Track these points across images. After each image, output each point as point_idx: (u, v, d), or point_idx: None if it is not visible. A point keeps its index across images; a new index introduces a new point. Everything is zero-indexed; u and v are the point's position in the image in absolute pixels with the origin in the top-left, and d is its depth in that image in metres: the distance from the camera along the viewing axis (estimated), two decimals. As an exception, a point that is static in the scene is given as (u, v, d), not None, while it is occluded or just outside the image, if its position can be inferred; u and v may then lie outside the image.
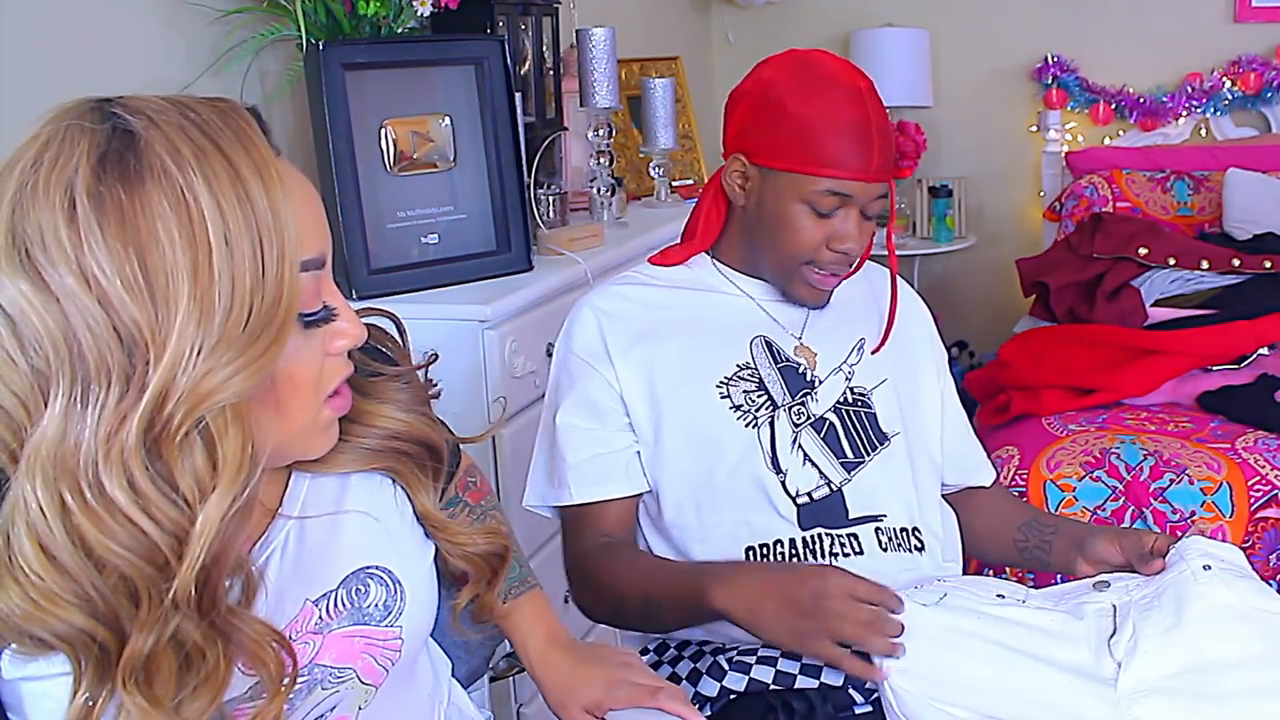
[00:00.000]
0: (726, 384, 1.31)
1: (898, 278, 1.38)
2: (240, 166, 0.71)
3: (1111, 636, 1.14)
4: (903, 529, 1.31)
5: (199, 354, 0.69)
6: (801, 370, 1.34)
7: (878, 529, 1.30)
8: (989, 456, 1.51)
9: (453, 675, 1.11)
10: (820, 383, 1.33)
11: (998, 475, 1.53)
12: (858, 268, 1.37)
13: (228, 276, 0.69)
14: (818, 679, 1.22)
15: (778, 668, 1.23)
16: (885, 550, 1.29)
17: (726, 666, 1.25)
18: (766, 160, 1.28)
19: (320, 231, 0.79)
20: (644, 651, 1.36)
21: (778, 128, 1.27)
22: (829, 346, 1.36)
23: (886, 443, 1.34)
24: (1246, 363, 2.49)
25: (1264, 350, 2.49)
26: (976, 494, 1.46)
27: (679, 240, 1.43)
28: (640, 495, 1.34)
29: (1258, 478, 2.06)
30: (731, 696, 1.24)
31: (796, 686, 1.22)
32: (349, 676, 0.89)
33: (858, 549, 1.28)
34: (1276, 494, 2.03)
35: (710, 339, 1.33)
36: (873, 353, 1.37)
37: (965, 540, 1.45)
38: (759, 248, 1.33)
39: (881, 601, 1.07)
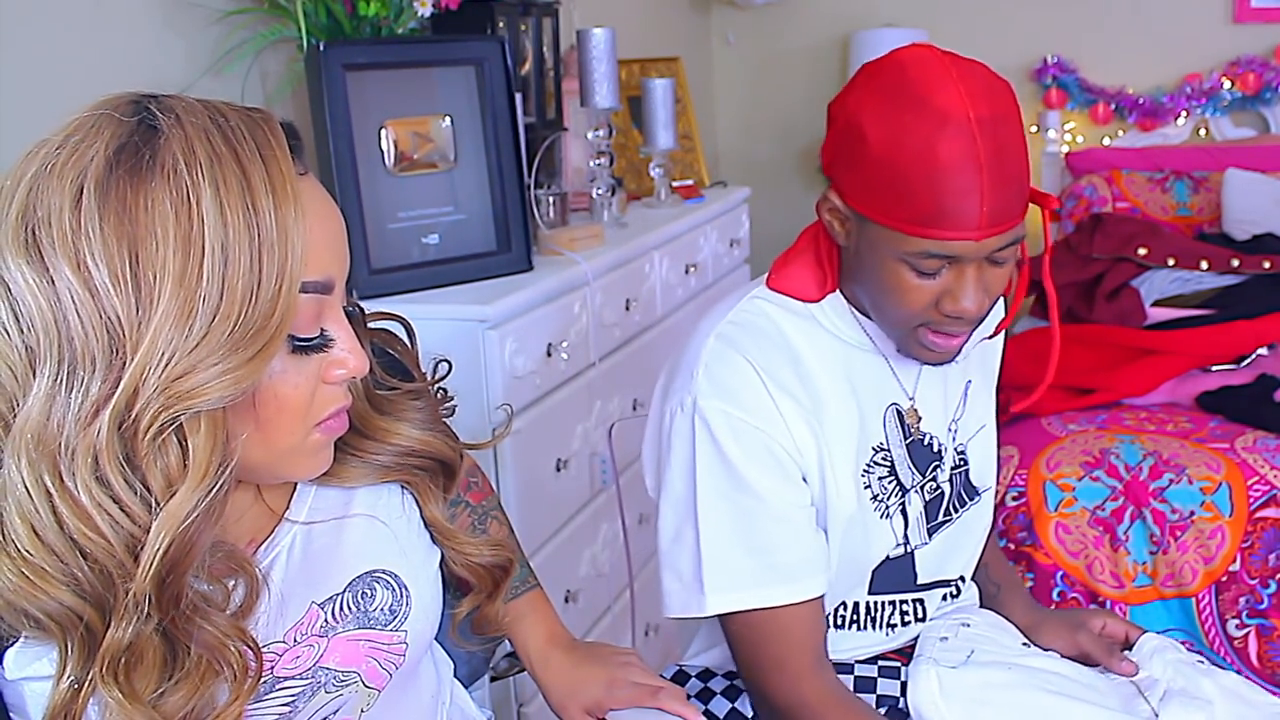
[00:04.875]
0: (868, 472, 1.16)
1: (1054, 317, 1.15)
2: (253, 177, 0.71)
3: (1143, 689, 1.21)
4: (955, 581, 1.28)
5: (174, 355, 0.68)
6: (928, 442, 1.19)
7: (944, 595, 1.26)
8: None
9: (454, 675, 1.11)
10: (945, 450, 1.21)
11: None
12: (1005, 319, 1.17)
13: (218, 283, 0.69)
14: None
15: None
16: (933, 618, 1.26)
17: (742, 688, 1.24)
18: (857, 205, 1.05)
19: (333, 257, 0.77)
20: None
21: (861, 169, 1.02)
22: (937, 403, 1.20)
23: (976, 499, 1.24)
24: (1246, 363, 2.49)
25: (1263, 350, 2.49)
26: None
27: (792, 257, 1.18)
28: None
29: (1257, 478, 2.07)
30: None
31: None
32: (353, 680, 0.89)
33: (919, 615, 1.25)
34: (1276, 494, 2.03)
35: (856, 415, 1.14)
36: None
37: None
38: (869, 300, 1.12)
39: None
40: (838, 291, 1.15)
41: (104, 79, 1.56)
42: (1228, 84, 3.41)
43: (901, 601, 1.23)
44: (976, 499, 1.24)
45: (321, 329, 0.77)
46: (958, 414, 1.21)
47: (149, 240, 0.68)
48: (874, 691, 1.22)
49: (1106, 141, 3.58)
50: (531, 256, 1.92)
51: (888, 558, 1.21)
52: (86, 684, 0.72)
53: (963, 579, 1.30)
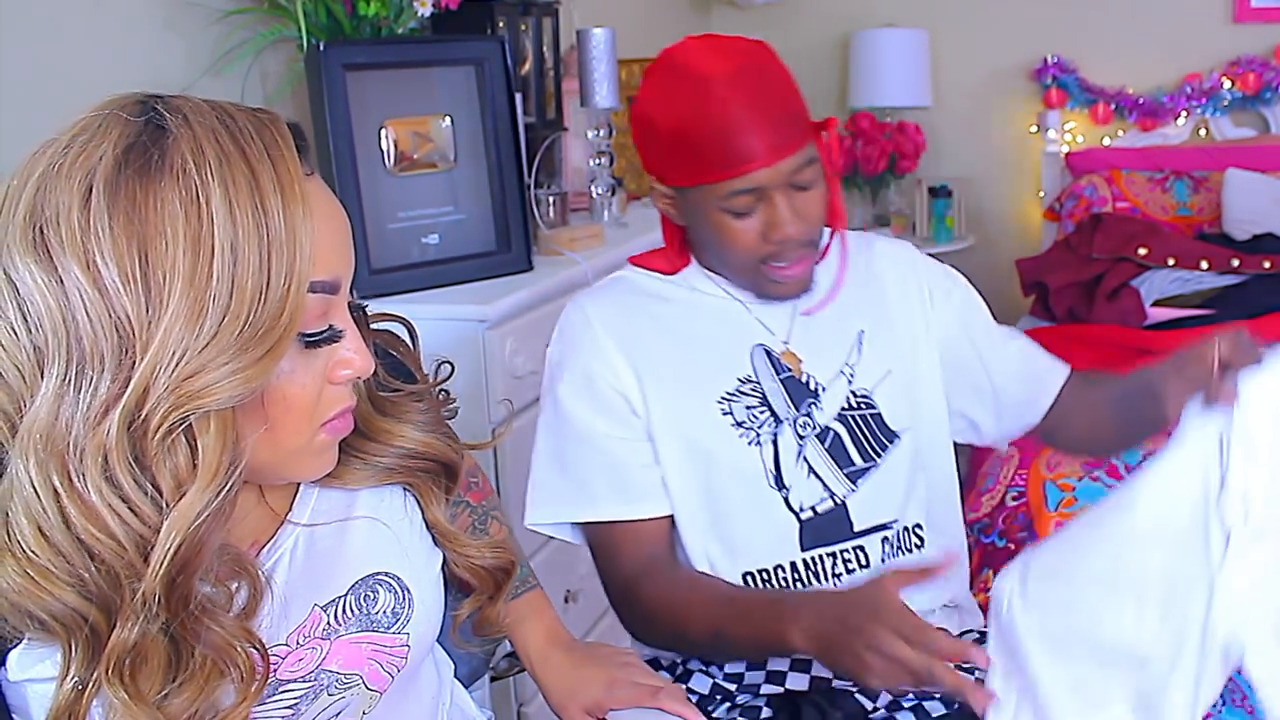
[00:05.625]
0: (728, 399, 1.24)
1: (846, 235, 1.29)
2: (261, 177, 0.71)
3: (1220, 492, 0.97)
4: (905, 529, 1.28)
5: (184, 355, 0.68)
6: (804, 380, 1.26)
7: (884, 539, 1.26)
8: (988, 456, 1.50)
9: (454, 676, 1.11)
10: (824, 390, 1.26)
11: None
12: (832, 237, 1.28)
13: (227, 283, 0.69)
14: (808, 673, 1.22)
15: (769, 666, 1.23)
16: (885, 560, 1.26)
17: (719, 672, 1.25)
18: (672, 180, 1.22)
19: (339, 257, 0.78)
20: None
21: (660, 147, 1.20)
22: (822, 350, 1.28)
23: (896, 442, 1.27)
24: (1246, 363, 2.49)
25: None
26: (1056, 408, 1.33)
27: (651, 250, 1.35)
28: (670, 516, 1.25)
29: (1257, 478, 2.07)
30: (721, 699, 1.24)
31: (789, 686, 1.22)
32: (355, 682, 0.89)
33: (863, 562, 1.25)
34: (1276, 494, 2.03)
35: (709, 350, 1.26)
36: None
37: (1074, 450, 1.49)
38: (718, 264, 1.27)
39: (928, 644, 0.98)
40: (694, 264, 1.30)
41: (104, 79, 1.56)
42: (1228, 84, 3.41)
43: (842, 552, 1.25)
44: (896, 441, 1.27)
45: (329, 324, 0.78)
46: (851, 359, 1.28)
47: (158, 240, 0.68)
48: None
49: (1106, 141, 3.58)
50: (531, 256, 1.92)
51: (816, 511, 1.24)
52: (90, 685, 0.72)
53: (919, 527, 1.29)
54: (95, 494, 0.69)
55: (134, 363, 0.69)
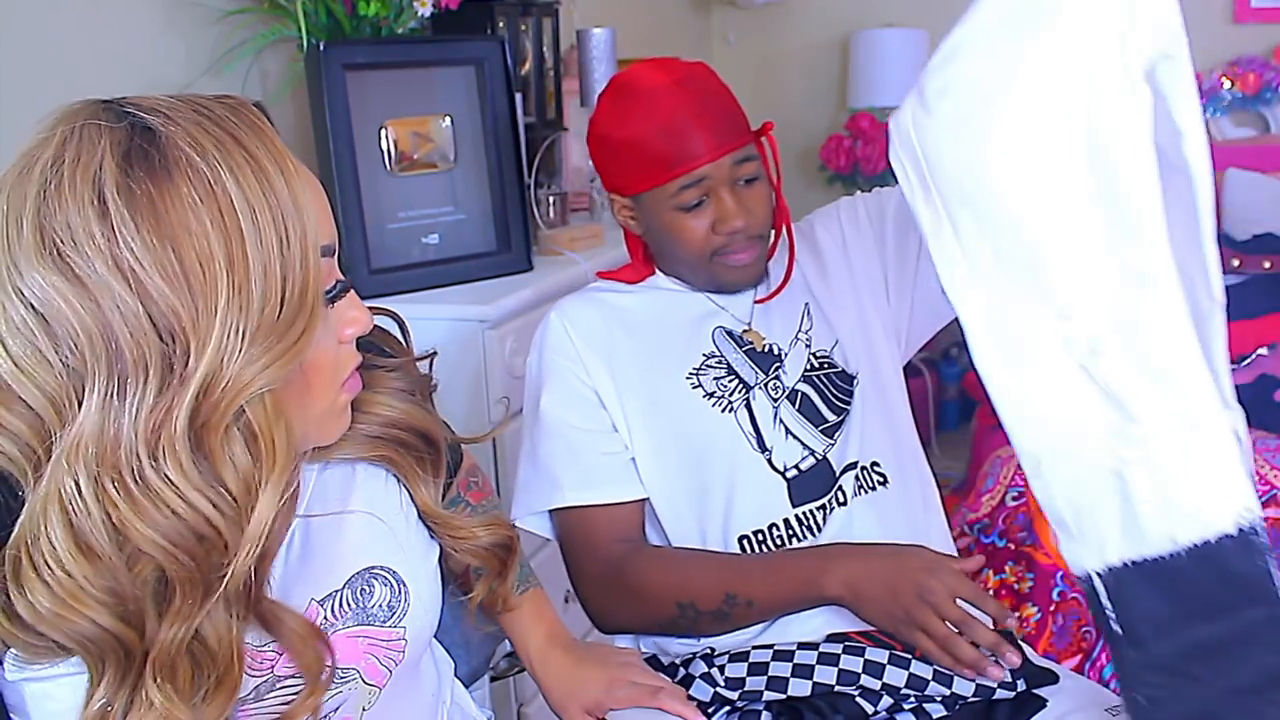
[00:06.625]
0: (696, 374, 1.33)
1: (792, 229, 1.38)
2: (260, 158, 0.72)
3: None
4: (864, 468, 1.32)
5: (240, 343, 0.70)
6: (765, 348, 1.35)
7: (855, 476, 1.32)
8: (988, 456, 1.50)
9: (454, 675, 1.11)
10: (787, 355, 1.35)
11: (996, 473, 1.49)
12: (778, 233, 1.36)
13: (260, 264, 0.70)
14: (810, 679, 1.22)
15: (769, 673, 1.23)
16: (855, 495, 1.30)
17: (720, 679, 1.24)
18: (629, 190, 1.32)
19: (329, 219, 0.80)
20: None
21: (616, 159, 1.31)
22: (778, 324, 1.37)
23: (856, 384, 1.36)
24: (1246, 363, 2.49)
25: (1263, 350, 2.50)
26: None
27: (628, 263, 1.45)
28: (642, 501, 1.32)
29: (1257, 478, 2.07)
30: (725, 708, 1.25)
31: (791, 693, 1.21)
32: (353, 677, 0.89)
33: (842, 500, 1.30)
34: (1276, 494, 2.03)
35: (674, 335, 1.35)
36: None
37: None
38: (675, 263, 1.36)
39: (980, 605, 1.13)
40: (657, 273, 1.40)
41: (104, 80, 1.56)
42: (1228, 84, 3.41)
43: (829, 501, 1.30)
44: (856, 384, 1.36)
45: (337, 278, 0.80)
46: (805, 327, 1.38)
47: (187, 236, 0.69)
48: (836, 665, 1.22)
49: (1106, 141, 3.57)
50: (531, 256, 1.92)
51: (800, 469, 1.30)
52: (118, 704, 0.72)
53: (876, 464, 1.33)
54: (155, 496, 0.69)
55: (188, 360, 0.69)
